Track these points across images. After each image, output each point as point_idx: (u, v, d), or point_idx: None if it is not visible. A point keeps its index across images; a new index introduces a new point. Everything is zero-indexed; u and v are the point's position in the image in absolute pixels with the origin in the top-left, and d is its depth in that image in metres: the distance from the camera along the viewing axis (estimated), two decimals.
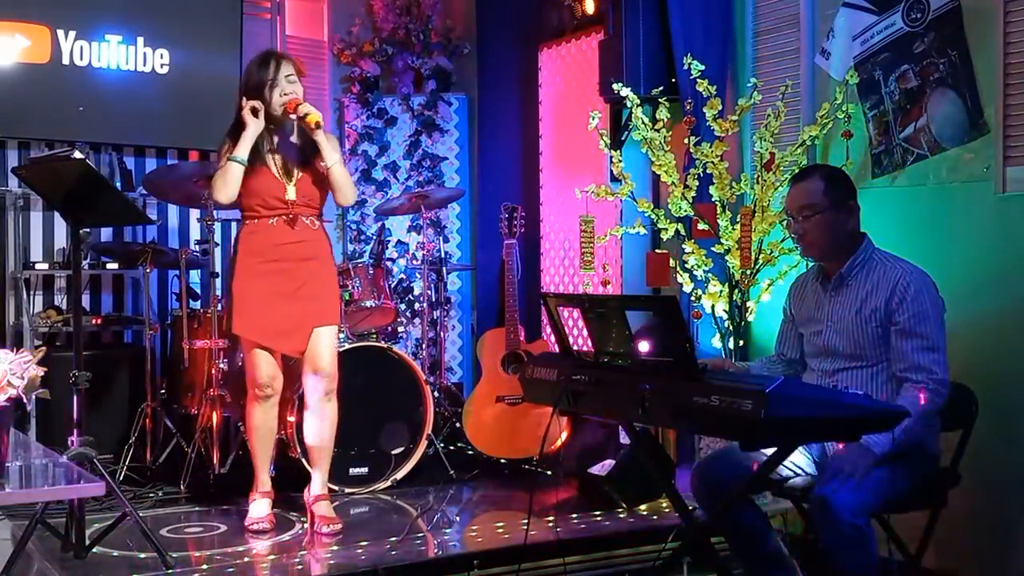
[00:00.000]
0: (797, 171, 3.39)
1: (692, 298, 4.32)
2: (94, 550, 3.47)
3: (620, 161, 4.47)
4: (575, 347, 3.05)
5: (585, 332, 2.98)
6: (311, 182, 3.81)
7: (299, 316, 3.80)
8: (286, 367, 3.95)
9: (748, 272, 4.14)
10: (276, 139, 3.81)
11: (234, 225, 5.87)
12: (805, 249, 3.17)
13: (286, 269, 3.79)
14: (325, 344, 3.85)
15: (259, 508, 3.87)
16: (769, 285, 4.17)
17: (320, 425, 3.90)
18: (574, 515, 4.04)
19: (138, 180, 5.48)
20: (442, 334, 5.67)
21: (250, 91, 3.78)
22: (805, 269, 3.55)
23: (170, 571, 3.34)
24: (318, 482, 3.94)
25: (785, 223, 3.24)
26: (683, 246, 4.31)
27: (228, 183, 3.74)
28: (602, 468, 4.23)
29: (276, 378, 3.85)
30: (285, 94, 3.74)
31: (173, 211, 5.74)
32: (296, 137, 3.85)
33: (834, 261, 3.13)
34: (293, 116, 3.76)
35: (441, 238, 6.05)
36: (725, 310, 4.23)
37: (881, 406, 2.66)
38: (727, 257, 4.20)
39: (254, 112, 3.72)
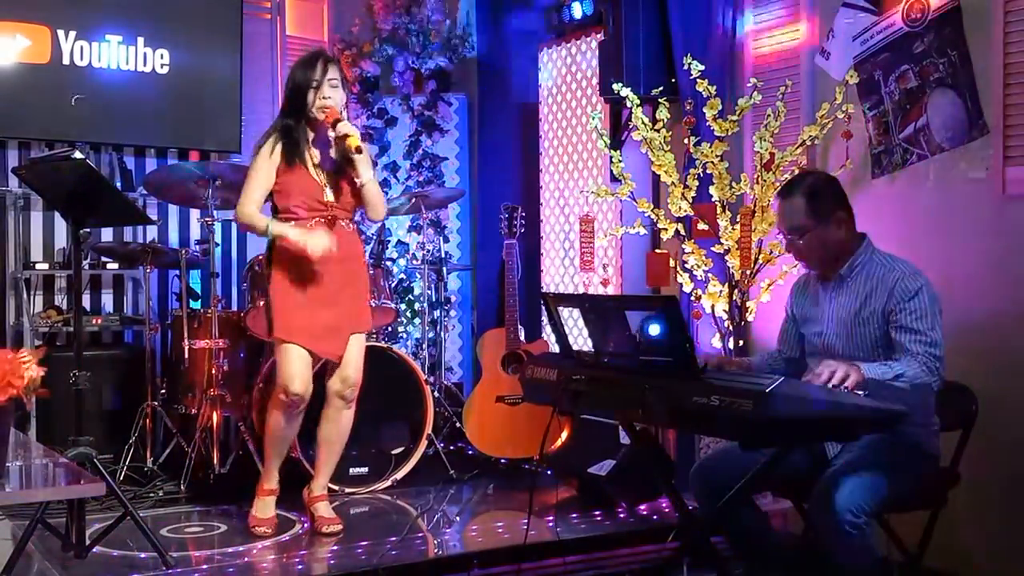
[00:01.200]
0: (783, 185, 3.33)
1: (692, 298, 4.32)
2: (94, 550, 3.47)
3: (620, 161, 4.47)
4: (575, 347, 3.05)
5: (585, 332, 2.98)
6: (347, 187, 3.76)
7: (338, 320, 3.76)
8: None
9: (748, 272, 4.13)
10: (313, 139, 3.77)
11: (234, 225, 5.88)
12: (803, 262, 3.20)
13: (326, 272, 3.72)
14: (355, 352, 3.81)
15: (264, 508, 3.84)
16: (769, 285, 4.17)
17: (336, 431, 3.88)
18: (574, 515, 4.04)
19: (138, 180, 5.48)
20: (442, 334, 5.67)
21: (293, 90, 3.73)
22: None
23: (170, 571, 3.34)
24: (320, 483, 3.94)
25: (780, 237, 3.24)
26: (683, 246, 4.31)
27: (247, 228, 3.82)
28: (602, 468, 4.23)
29: (309, 389, 3.75)
30: (325, 97, 3.68)
31: (173, 211, 5.73)
32: (333, 142, 3.78)
33: (837, 261, 3.12)
34: (331, 132, 3.69)
35: (441, 238, 6.05)
36: (725, 310, 4.23)
37: (881, 406, 2.66)
38: (727, 257, 4.19)
39: (315, 248, 3.61)
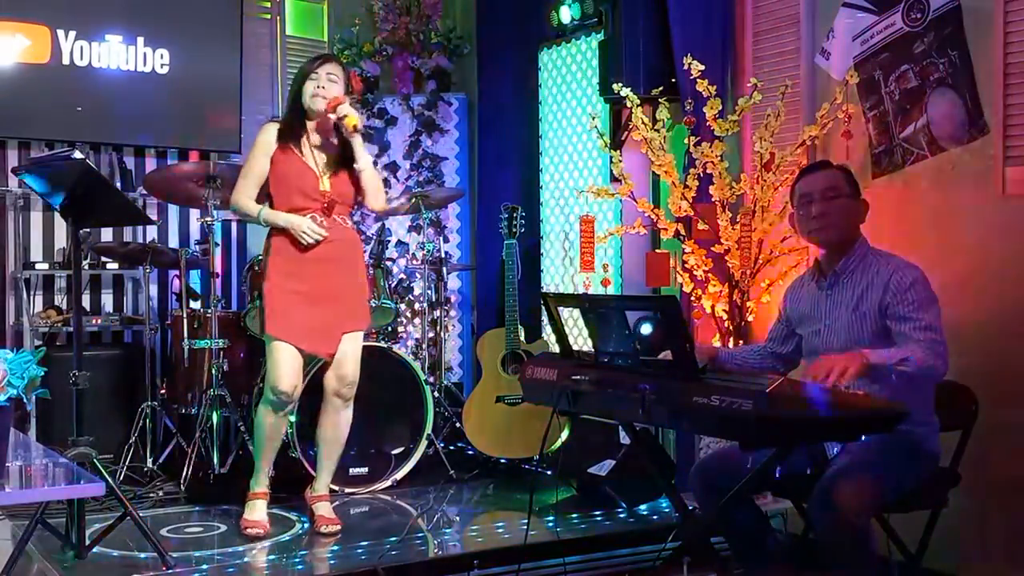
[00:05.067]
0: (808, 165, 3.42)
1: (692, 298, 4.31)
2: (94, 550, 3.47)
3: (620, 161, 4.47)
4: (575, 347, 3.05)
5: (585, 332, 2.98)
6: (345, 179, 3.80)
7: (331, 318, 3.76)
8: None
9: (748, 272, 4.13)
10: (312, 131, 3.81)
11: (234, 225, 5.88)
12: (821, 230, 3.12)
13: (321, 271, 3.74)
14: (352, 350, 3.81)
15: (255, 511, 3.82)
16: (769, 285, 4.17)
17: (335, 429, 3.89)
18: (574, 515, 4.04)
19: (138, 180, 5.48)
20: (442, 334, 5.67)
21: (294, 83, 3.82)
22: (805, 269, 3.55)
23: (170, 571, 3.34)
24: (321, 483, 3.94)
25: (797, 211, 3.20)
26: (683, 246, 4.31)
27: (242, 215, 3.93)
28: (602, 468, 4.23)
29: (298, 388, 3.78)
30: (321, 87, 3.74)
31: (173, 211, 5.74)
32: (333, 134, 3.84)
33: (836, 254, 3.13)
34: (332, 116, 3.75)
35: (441, 238, 6.05)
36: (725, 310, 4.23)
37: (881, 406, 2.66)
38: (727, 257, 4.19)
39: (309, 227, 3.70)
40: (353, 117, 3.71)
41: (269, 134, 3.80)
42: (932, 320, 2.93)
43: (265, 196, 3.84)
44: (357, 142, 3.75)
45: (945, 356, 2.89)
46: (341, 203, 3.81)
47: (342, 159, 3.80)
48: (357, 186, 3.83)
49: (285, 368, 3.71)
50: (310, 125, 3.82)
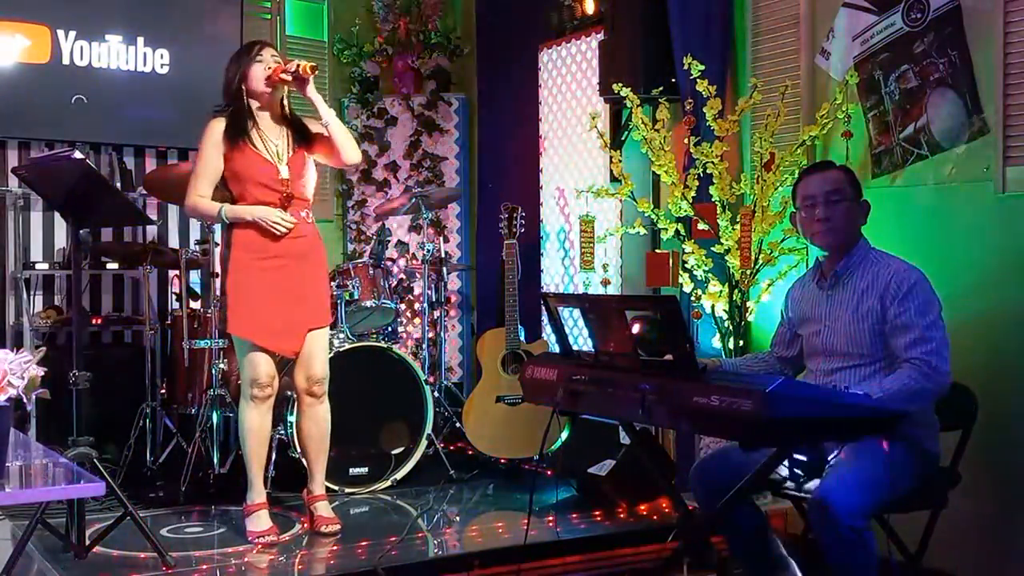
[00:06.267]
0: (811, 163, 3.41)
1: (692, 298, 4.31)
2: (94, 550, 3.47)
3: (620, 161, 4.47)
4: (575, 347, 3.05)
5: (585, 332, 2.98)
6: (300, 164, 3.73)
7: (294, 317, 3.73)
8: (282, 367, 3.93)
9: (748, 272, 4.13)
10: (260, 120, 3.72)
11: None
12: (826, 234, 3.12)
13: (283, 267, 3.70)
14: (319, 347, 3.79)
15: (261, 521, 3.77)
16: (769, 285, 4.17)
17: (315, 427, 3.87)
18: (574, 515, 4.04)
19: (138, 180, 5.48)
20: (442, 334, 5.67)
21: (234, 74, 3.70)
22: (805, 269, 3.55)
23: (170, 571, 3.34)
24: (317, 483, 3.93)
25: (799, 211, 3.20)
26: (683, 246, 4.31)
27: (199, 217, 3.91)
28: (602, 468, 4.23)
29: (275, 377, 3.77)
30: (269, 68, 3.67)
31: (173, 211, 5.74)
32: (282, 118, 3.77)
33: (838, 255, 3.13)
34: (286, 76, 3.63)
35: (441, 238, 6.05)
36: (725, 310, 4.23)
37: (881, 406, 2.66)
38: (727, 257, 4.19)
39: (280, 217, 3.64)
40: (306, 62, 3.63)
41: (216, 130, 3.68)
42: (929, 328, 2.91)
43: (223, 194, 3.73)
44: (313, 94, 3.64)
45: (938, 374, 2.87)
46: (302, 195, 3.73)
47: (296, 140, 3.73)
48: (311, 171, 3.75)
49: (259, 360, 3.69)
50: (258, 114, 3.72)
